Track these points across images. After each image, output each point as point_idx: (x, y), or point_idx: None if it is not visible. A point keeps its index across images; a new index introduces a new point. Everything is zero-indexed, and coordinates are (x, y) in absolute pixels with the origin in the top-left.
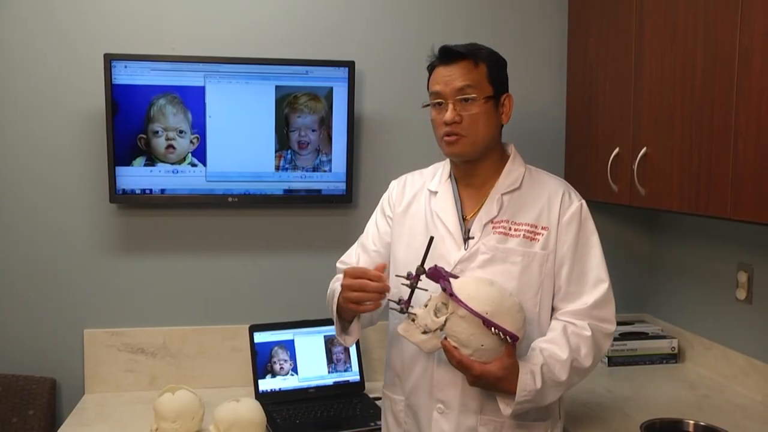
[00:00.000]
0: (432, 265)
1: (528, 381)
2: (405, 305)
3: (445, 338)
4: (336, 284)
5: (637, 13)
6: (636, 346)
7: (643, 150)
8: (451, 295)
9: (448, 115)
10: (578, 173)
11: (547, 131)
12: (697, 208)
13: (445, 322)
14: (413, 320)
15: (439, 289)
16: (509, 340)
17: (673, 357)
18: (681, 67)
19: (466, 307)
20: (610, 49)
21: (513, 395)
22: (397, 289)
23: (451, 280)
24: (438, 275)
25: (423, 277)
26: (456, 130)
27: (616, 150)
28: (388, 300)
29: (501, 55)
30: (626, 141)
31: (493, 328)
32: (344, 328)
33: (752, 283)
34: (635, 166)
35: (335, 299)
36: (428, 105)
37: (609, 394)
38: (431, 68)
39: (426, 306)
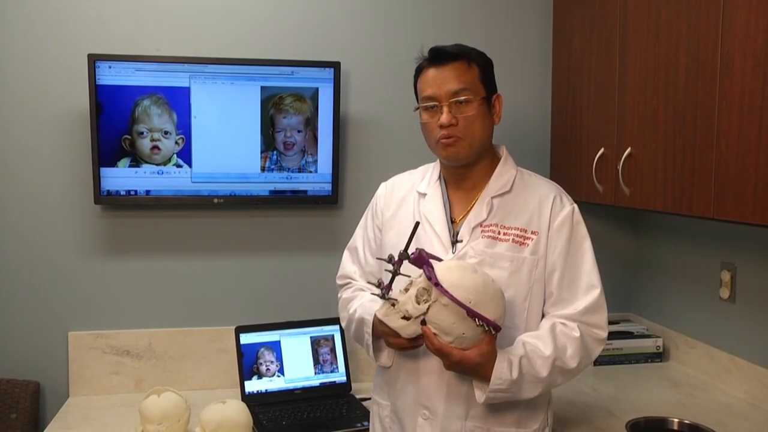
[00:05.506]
0: (415, 249)
1: (504, 370)
2: (386, 289)
3: (425, 323)
4: (358, 303)
5: (621, 15)
6: (621, 346)
7: (628, 150)
8: (436, 284)
9: (444, 117)
10: (563, 174)
11: (532, 132)
12: (681, 208)
13: (427, 309)
14: (393, 305)
15: (420, 273)
16: (492, 331)
17: (658, 356)
18: (664, 68)
19: (451, 297)
20: (595, 50)
21: (488, 382)
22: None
23: (435, 265)
24: (422, 261)
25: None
26: (453, 132)
27: (601, 151)
28: (368, 282)
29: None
30: (611, 142)
31: (477, 319)
32: (378, 347)
33: (735, 282)
34: (620, 167)
35: (368, 327)
36: (419, 108)
37: (594, 393)
38: (419, 70)
39: (407, 291)
